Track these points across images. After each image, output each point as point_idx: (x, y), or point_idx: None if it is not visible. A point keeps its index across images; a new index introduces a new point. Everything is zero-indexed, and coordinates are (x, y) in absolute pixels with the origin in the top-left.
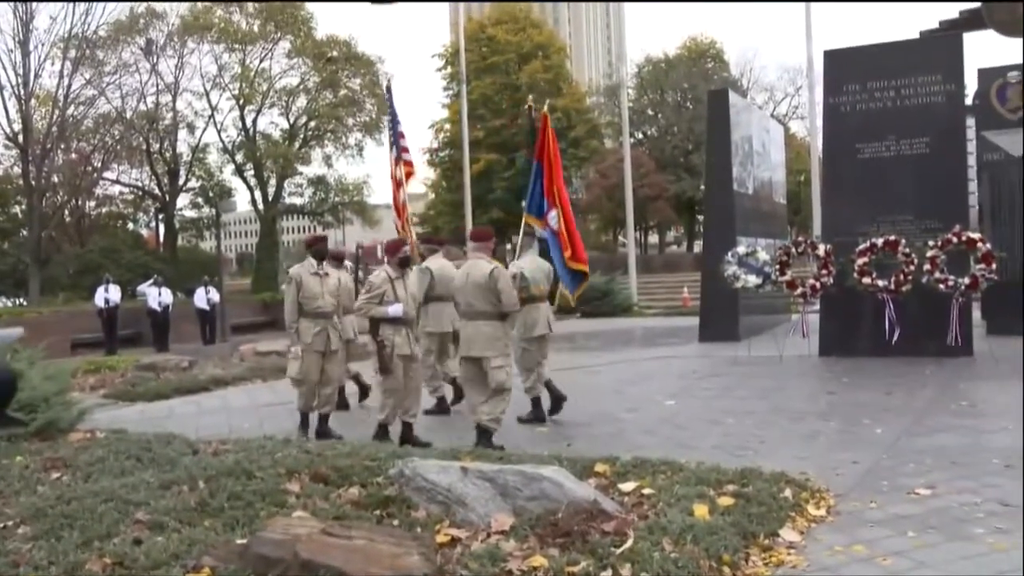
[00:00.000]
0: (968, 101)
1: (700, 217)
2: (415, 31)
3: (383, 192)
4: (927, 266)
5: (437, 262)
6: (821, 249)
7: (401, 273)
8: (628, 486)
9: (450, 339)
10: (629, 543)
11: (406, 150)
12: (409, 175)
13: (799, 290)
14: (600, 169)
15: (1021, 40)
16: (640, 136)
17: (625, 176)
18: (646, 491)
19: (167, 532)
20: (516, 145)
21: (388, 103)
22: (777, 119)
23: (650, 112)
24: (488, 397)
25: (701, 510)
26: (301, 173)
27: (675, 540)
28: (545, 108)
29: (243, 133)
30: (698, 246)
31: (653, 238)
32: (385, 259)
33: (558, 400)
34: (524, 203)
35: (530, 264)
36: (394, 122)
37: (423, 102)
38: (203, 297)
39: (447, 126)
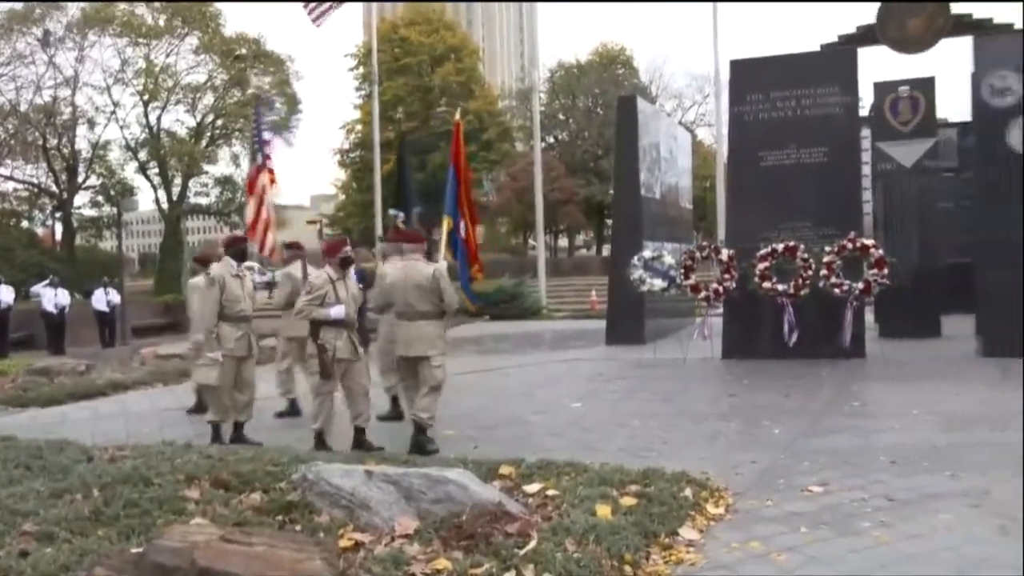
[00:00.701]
0: (864, 113)
1: (609, 221)
2: (327, 30)
3: (292, 192)
4: (824, 271)
5: (299, 268)
6: (724, 254)
7: (342, 274)
8: (533, 488)
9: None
10: (532, 544)
11: (269, 157)
12: (272, 183)
13: (703, 294)
14: (511, 172)
15: (912, 56)
16: (551, 140)
17: (535, 179)
18: (551, 492)
19: (57, 543)
20: (428, 147)
21: (256, 115)
22: (685, 126)
23: (561, 117)
24: (425, 394)
25: (604, 510)
26: (207, 172)
27: (578, 540)
28: (458, 115)
29: (147, 130)
30: (607, 250)
31: (563, 241)
32: (325, 260)
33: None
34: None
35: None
36: (259, 131)
37: (334, 102)
38: (102, 298)
39: (358, 127)
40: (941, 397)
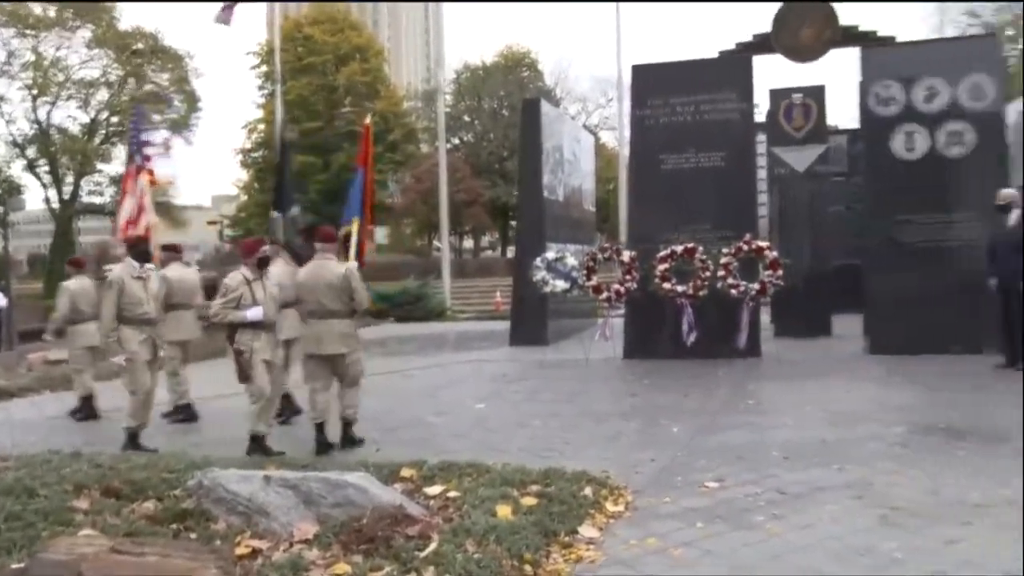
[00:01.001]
0: (760, 119)
1: (514, 223)
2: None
3: (191, 192)
4: (721, 272)
5: (176, 270)
6: (625, 255)
7: (259, 275)
8: (434, 490)
9: (190, 347)
10: (433, 546)
11: (149, 159)
12: (153, 184)
13: (604, 295)
14: (416, 173)
15: (804, 64)
16: (456, 141)
17: (440, 181)
18: (452, 494)
19: None
20: (332, 147)
21: (134, 115)
22: (589, 129)
23: (467, 118)
24: (346, 388)
25: (505, 511)
26: (101, 171)
27: (478, 541)
28: (368, 118)
29: (36, 126)
30: (512, 251)
31: (468, 243)
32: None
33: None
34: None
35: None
36: (137, 131)
37: (236, 101)
38: None
39: (261, 126)
40: (831, 394)
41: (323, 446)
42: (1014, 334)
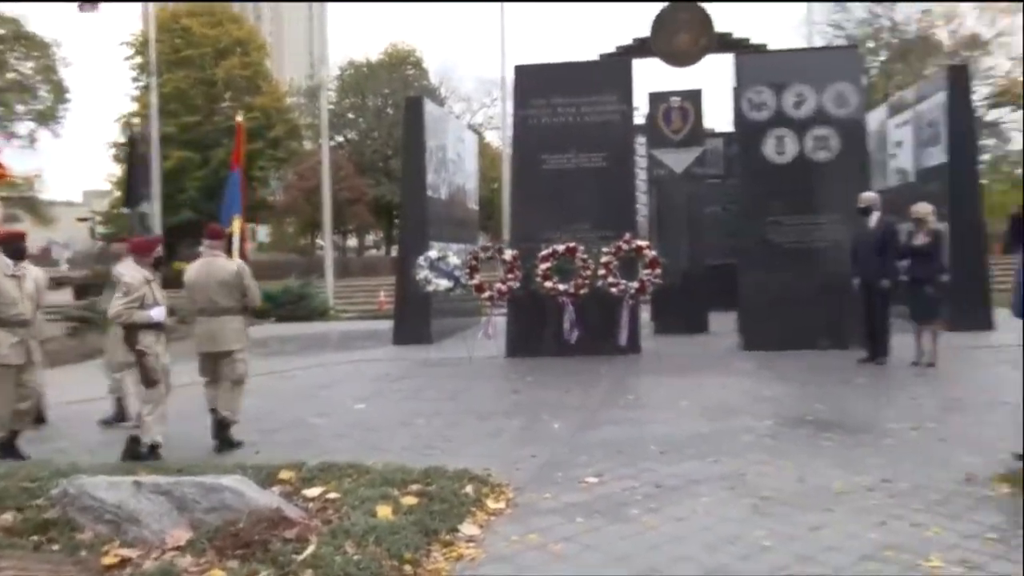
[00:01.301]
0: (639, 121)
1: (397, 221)
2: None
3: (62, 187)
4: (602, 271)
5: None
6: (508, 254)
7: (155, 275)
8: (313, 491)
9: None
10: (311, 549)
11: None
12: (2, 177)
13: (487, 293)
14: (299, 171)
15: (681, 69)
16: (340, 139)
17: (324, 178)
18: (332, 495)
19: None
20: (211, 143)
21: None
22: (473, 128)
23: (351, 116)
24: (228, 389)
25: (385, 511)
26: None
27: (358, 542)
28: (240, 116)
29: None
30: (396, 250)
31: (352, 241)
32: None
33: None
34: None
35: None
36: None
37: (109, 93)
38: None
39: (136, 120)
40: (707, 389)
41: (226, 443)
42: (876, 330)
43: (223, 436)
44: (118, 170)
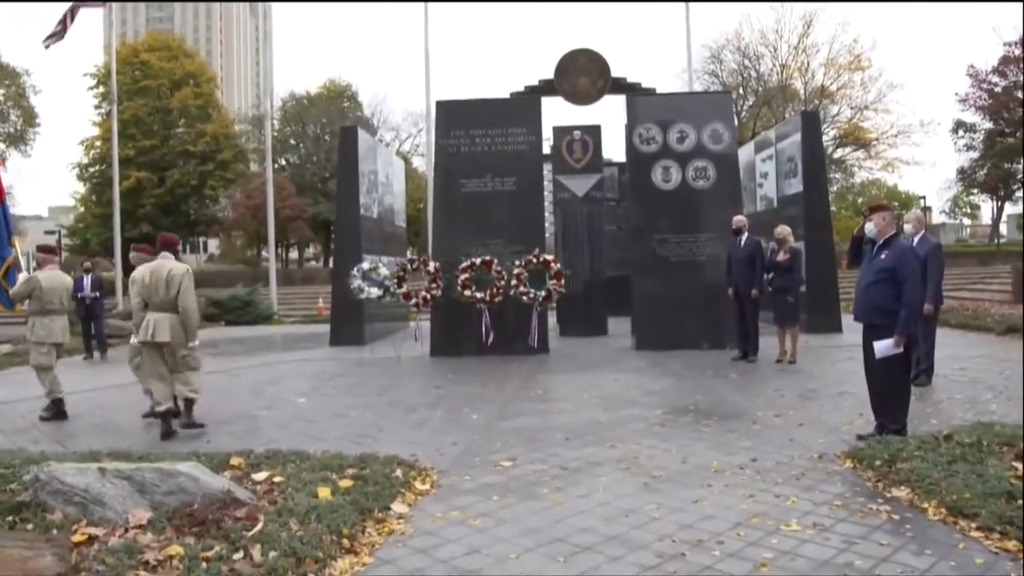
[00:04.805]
0: (546, 151)
1: (334, 236)
2: (66, 47)
3: (29, 202)
4: (514, 281)
5: (46, 273)
6: (431, 266)
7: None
8: (261, 476)
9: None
10: (259, 526)
11: None
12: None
13: (413, 301)
14: (246, 190)
15: (582, 107)
16: (283, 162)
17: (268, 198)
18: (277, 479)
19: None
20: (167, 164)
21: None
22: (401, 155)
23: (292, 142)
24: (186, 376)
25: (325, 492)
26: None
27: (301, 520)
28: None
29: None
30: (332, 262)
31: (294, 253)
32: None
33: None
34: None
35: (47, 276)
36: None
37: (74, 117)
38: None
39: (98, 143)
40: (605, 384)
41: (190, 424)
42: (747, 332)
43: (186, 412)
44: (82, 188)
